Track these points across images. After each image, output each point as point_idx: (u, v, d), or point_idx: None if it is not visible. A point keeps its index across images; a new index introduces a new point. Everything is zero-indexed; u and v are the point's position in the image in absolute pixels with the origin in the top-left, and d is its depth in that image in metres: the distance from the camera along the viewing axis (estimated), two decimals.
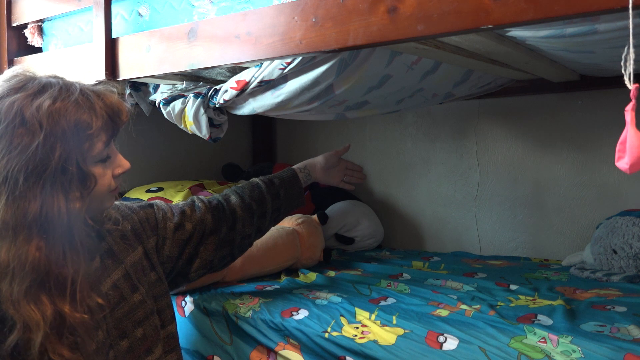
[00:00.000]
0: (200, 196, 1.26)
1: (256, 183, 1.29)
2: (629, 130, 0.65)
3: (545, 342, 0.99)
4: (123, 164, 0.92)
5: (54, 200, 0.77)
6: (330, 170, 1.48)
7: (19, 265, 0.76)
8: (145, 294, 1.02)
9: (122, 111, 0.89)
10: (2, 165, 0.76)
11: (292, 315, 1.21)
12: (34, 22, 1.64)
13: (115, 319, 0.95)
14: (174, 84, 1.61)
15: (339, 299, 1.28)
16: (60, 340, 0.78)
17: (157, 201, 1.18)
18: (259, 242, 1.55)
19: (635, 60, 0.66)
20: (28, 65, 1.62)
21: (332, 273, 1.61)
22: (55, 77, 0.86)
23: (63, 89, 0.82)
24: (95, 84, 0.91)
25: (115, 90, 0.92)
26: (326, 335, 1.12)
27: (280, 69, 1.28)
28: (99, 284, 0.93)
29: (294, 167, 1.40)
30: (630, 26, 0.68)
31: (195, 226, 1.16)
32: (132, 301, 0.99)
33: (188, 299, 1.39)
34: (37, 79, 0.84)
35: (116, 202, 1.07)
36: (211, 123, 1.51)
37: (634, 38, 0.68)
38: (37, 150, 0.76)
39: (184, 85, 1.59)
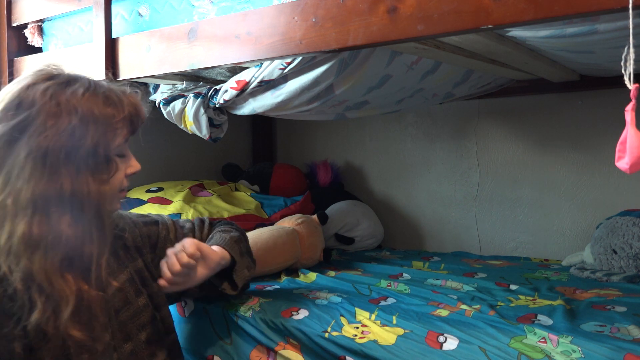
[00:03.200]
0: (204, 218, 1.27)
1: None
2: (629, 130, 0.65)
3: (545, 342, 0.99)
4: (135, 164, 0.95)
5: (84, 180, 0.81)
6: None
7: (53, 239, 0.79)
8: (148, 299, 1.03)
9: (142, 112, 0.94)
10: (39, 142, 0.79)
11: (292, 315, 1.20)
12: (34, 22, 1.64)
13: (120, 322, 0.95)
14: (174, 84, 1.61)
15: (339, 299, 1.28)
16: (78, 316, 0.81)
17: (165, 218, 1.19)
18: (259, 242, 1.55)
19: (635, 60, 0.67)
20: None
21: (332, 273, 1.61)
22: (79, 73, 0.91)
23: (92, 82, 0.87)
24: (121, 85, 0.95)
25: (138, 92, 0.96)
26: (326, 335, 1.12)
27: (280, 69, 1.28)
28: (116, 285, 0.95)
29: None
30: (630, 26, 0.68)
31: None
32: (136, 305, 0.99)
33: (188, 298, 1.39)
34: (65, 72, 0.88)
35: (123, 212, 1.10)
36: (211, 123, 1.51)
37: (634, 38, 0.68)
38: (73, 131, 0.80)
39: (184, 85, 1.59)
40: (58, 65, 0.89)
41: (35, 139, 0.79)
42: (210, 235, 1.22)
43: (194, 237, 1.19)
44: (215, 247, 1.12)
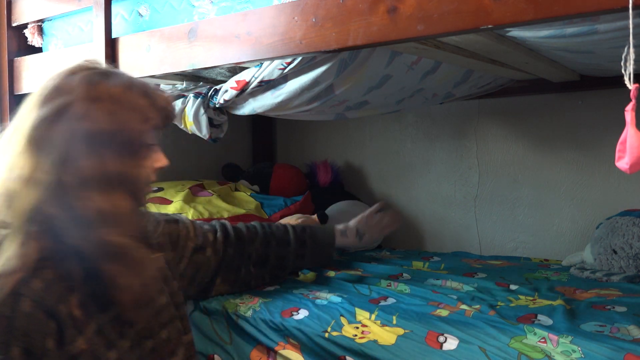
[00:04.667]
0: (226, 223, 1.32)
1: (287, 240, 1.37)
2: (629, 130, 0.65)
3: (545, 342, 0.99)
4: (163, 159, 0.96)
5: (128, 161, 0.86)
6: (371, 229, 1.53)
7: (118, 214, 0.84)
8: (170, 298, 1.03)
9: (172, 111, 0.99)
10: (84, 126, 0.82)
11: (292, 315, 1.20)
12: (34, 22, 1.64)
13: (147, 320, 0.96)
14: (174, 84, 1.61)
15: (339, 299, 1.28)
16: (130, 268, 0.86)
17: (183, 217, 1.23)
18: None
19: (635, 60, 0.67)
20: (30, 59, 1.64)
21: (332, 273, 1.60)
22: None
23: (127, 76, 0.92)
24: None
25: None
26: (326, 335, 1.12)
27: (280, 69, 1.28)
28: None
29: (336, 227, 1.47)
30: (630, 26, 0.68)
31: (215, 253, 1.22)
32: (159, 302, 1.00)
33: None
34: (104, 65, 0.93)
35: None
36: (211, 123, 1.51)
37: (634, 38, 0.68)
38: (115, 117, 0.84)
39: (184, 85, 1.59)
40: (96, 60, 0.95)
41: (79, 123, 0.82)
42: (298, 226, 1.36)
43: (214, 238, 1.25)
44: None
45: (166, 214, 1.20)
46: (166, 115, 0.95)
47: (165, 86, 1.62)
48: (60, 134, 0.81)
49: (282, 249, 1.35)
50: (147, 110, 0.89)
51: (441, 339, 1.04)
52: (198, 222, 1.27)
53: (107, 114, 0.84)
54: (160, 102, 0.92)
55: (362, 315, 1.17)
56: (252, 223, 1.36)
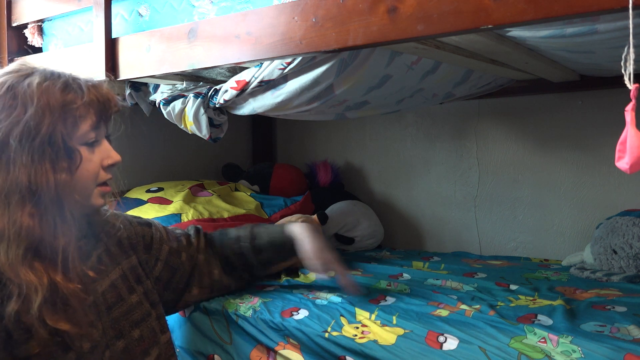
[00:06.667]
0: (199, 228, 1.28)
1: (241, 252, 1.27)
2: (629, 130, 0.65)
3: (545, 342, 0.99)
4: (113, 155, 0.92)
5: (42, 169, 0.80)
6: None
7: (14, 231, 0.78)
8: (143, 296, 1.03)
9: (112, 99, 0.91)
10: None
11: (292, 315, 1.20)
12: (34, 22, 1.64)
13: (112, 319, 0.95)
14: (174, 84, 1.61)
15: (339, 299, 1.28)
16: (54, 308, 0.80)
17: (156, 222, 1.20)
18: None
19: (635, 60, 0.67)
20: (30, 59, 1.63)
21: (332, 273, 1.61)
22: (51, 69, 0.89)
23: (54, 73, 0.86)
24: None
25: (106, 80, 0.96)
26: (326, 335, 1.12)
27: (280, 69, 1.28)
28: (95, 277, 0.93)
29: (288, 231, 1.28)
30: (630, 26, 0.68)
31: (189, 257, 1.20)
32: (129, 302, 0.99)
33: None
34: (32, 66, 0.87)
35: (116, 211, 1.09)
36: (211, 123, 1.51)
37: (634, 38, 0.68)
38: (28, 120, 0.79)
39: (184, 85, 1.59)
40: (27, 62, 0.89)
41: None
42: (263, 230, 1.28)
43: (188, 242, 1.21)
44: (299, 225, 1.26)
45: (138, 217, 1.17)
46: (102, 108, 0.88)
47: (165, 86, 1.62)
48: None
49: (236, 246, 1.28)
50: (73, 105, 0.83)
51: (441, 339, 1.04)
52: (170, 227, 1.25)
53: (22, 120, 0.79)
54: (89, 93, 0.86)
55: (362, 315, 1.17)
56: (230, 228, 1.33)
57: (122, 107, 0.94)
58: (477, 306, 1.21)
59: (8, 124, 0.79)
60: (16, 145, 0.78)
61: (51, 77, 0.84)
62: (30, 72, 0.85)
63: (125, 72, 1.34)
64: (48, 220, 0.81)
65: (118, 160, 0.92)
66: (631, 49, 0.66)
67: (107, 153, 0.91)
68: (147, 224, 1.16)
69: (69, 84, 0.85)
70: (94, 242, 0.97)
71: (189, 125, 1.54)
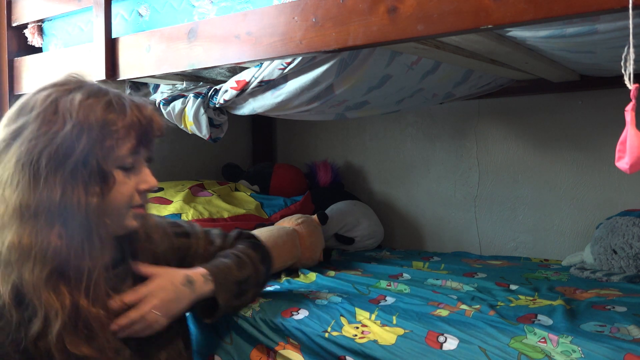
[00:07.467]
0: (241, 232, 1.20)
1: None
2: (629, 130, 0.65)
3: (545, 342, 0.99)
4: (149, 180, 0.87)
5: (74, 190, 0.77)
6: None
7: (40, 251, 0.76)
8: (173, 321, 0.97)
9: (155, 122, 0.87)
10: (29, 148, 0.76)
11: (292, 315, 1.20)
12: (34, 22, 1.64)
13: (139, 341, 0.91)
14: (174, 84, 1.61)
15: (339, 299, 1.28)
16: (75, 332, 0.78)
17: (197, 230, 1.13)
18: None
19: (635, 60, 0.67)
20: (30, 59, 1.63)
21: (332, 273, 1.61)
22: (100, 83, 0.86)
23: (101, 90, 0.83)
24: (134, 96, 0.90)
25: (151, 105, 0.89)
26: (326, 335, 1.12)
27: (280, 69, 1.28)
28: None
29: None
30: (630, 26, 0.68)
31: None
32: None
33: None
34: (80, 79, 0.85)
35: (157, 219, 1.05)
36: (211, 123, 1.51)
37: (634, 38, 0.68)
38: (64, 138, 0.77)
39: (184, 85, 1.59)
40: (79, 74, 0.86)
41: (25, 145, 0.76)
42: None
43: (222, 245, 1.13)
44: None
45: (178, 225, 1.10)
46: (143, 131, 0.84)
47: (165, 86, 1.62)
48: (7, 159, 0.77)
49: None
50: (113, 127, 0.80)
51: (441, 339, 1.04)
52: (212, 233, 1.16)
53: (59, 137, 0.76)
54: (132, 115, 0.82)
55: (362, 315, 1.17)
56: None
57: (165, 131, 0.90)
58: (477, 306, 1.21)
59: (45, 139, 0.76)
60: (50, 162, 0.76)
61: (95, 95, 0.81)
62: (76, 87, 0.82)
63: (125, 72, 1.34)
64: (76, 242, 0.78)
65: (154, 186, 0.88)
66: (631, 49, 0.66)
67: (144, 177, 0.87)
68: (186, 234, 1.09)
69: (112, 103, 0.81)
70: (128, 267, 0.93)
71: (189, 125, 1.54)
